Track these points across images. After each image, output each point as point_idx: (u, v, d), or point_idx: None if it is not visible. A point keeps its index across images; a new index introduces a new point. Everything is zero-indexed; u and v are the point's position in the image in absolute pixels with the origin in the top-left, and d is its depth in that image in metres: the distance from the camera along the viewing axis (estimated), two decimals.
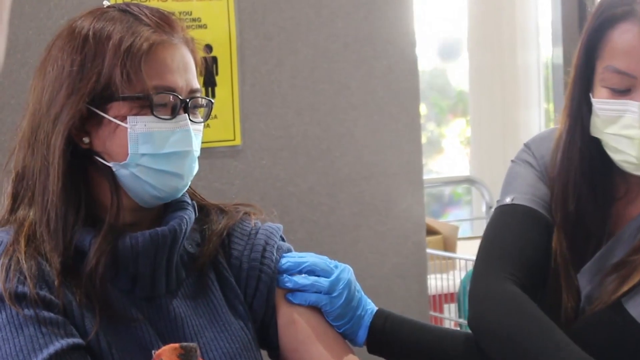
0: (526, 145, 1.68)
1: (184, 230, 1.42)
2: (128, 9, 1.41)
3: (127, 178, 1.38)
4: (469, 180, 4.07)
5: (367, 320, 1.55)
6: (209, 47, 2.41)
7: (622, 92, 1.49)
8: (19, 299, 1.29)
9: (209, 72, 2.41)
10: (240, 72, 2.44)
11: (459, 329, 3.42)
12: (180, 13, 2.36)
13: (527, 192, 1.60)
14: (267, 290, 1.49)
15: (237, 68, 2.43)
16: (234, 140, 2.44)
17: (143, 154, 1.37)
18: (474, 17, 4.10)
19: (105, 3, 1.46)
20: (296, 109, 2.50)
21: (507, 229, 1.58)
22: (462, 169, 5.15)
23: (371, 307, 1.57)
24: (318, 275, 1.52)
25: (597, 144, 1.56)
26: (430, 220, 3.55)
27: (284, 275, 1.52)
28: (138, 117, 1.36)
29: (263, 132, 2.48)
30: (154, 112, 1.37)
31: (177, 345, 1.25)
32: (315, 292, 1.51)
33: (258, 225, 1.54)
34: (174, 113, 1.39)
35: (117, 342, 1.35)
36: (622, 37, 1.48)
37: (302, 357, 1.49)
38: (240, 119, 2.44)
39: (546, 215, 1.59)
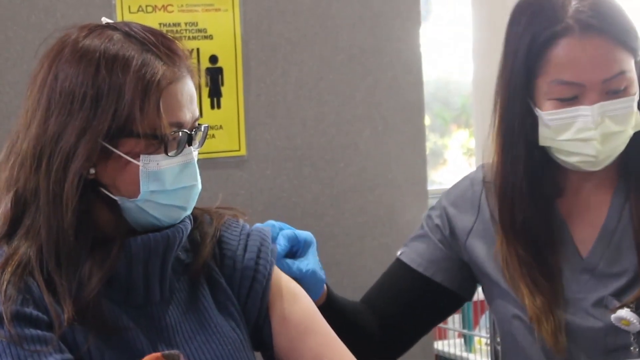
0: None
1: (178, 239, 1.41)
2: (132, 33, 1.38)
3: (132, 211, 1.38)
4: None
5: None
6: (214, 58, 2.42)
7: (569, 101, 1.61)
8: (0, 319, 1.28)
9: (214, 82, 2.42)
10: (245, 82, 2.44)
11: (462, 340, 3.42)
12: (186, 24, 2.37)
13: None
14: (262, 292, 1.50)
15: (243, 79, 2.44)
16: (239, 150, 2.45)
17: (153, 191, 1.37)
18: (478, 28, 4.11)
19: (104, 20, 1.43)
20: (301, 120, 2.51)
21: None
22: None
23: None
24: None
25: (540, 152, 1.68)
26: None
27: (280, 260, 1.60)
28: (151, 155, 1.35)
29: (268, 142, 2.48)
30: (167, 151, 1.36)
31: (159, 354, 1.25)
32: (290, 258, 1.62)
33: (246, 226, 1.55)
34: (179, 147, 1.38)
35: (109, 351, 1.34)
36: (565, 51, 1.60)
37: (294, 354, 1.50)
38: (246, 130, 2.45)
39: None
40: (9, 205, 1.37)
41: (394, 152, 2.60)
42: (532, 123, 1.65)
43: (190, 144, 1.40)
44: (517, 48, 1.64)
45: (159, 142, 1.35)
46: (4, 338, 1.26)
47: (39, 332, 1.29)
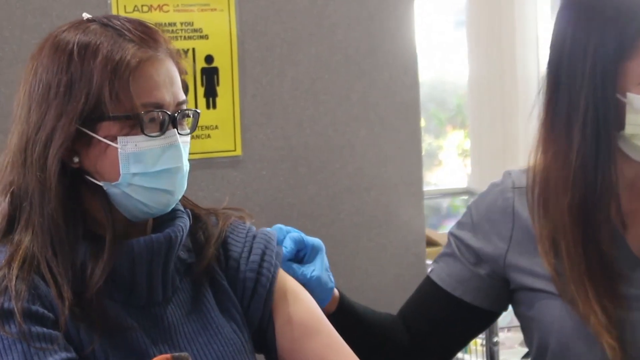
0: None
1: (179, 238, 1.41)
2: (110, 23, 1.39)
3: (118, 196, 1.38)
4: (468, 192, 4.08)
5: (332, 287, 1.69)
6: (210, 58, 2.41)
7: None
8: (7, 315, 1.28)
9: (210, 83, 2.42)
10: (241, 83, 2.44)
11: None
12: (181, 24, 2.37)
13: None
14: (265, 296, 1.49)
15: (238, 79, 2.43)
16: (235, 150, 2.44)
17: (135, 174, 1.36)
18: (473, 28, 4.12)
19: (85, 15, 1.44)
20: (297, 120, 2.51)
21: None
22: (460, 182, 5.14)
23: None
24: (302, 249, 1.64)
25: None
26: (429, 232, 3.55)
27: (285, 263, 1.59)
28: (128, 137, 1.35)
29: (263, 143, 2.48)
30: (144, 131, 1.36)
31: (168, 355, 1.25)
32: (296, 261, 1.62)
33: (253, 229, 1.54)
34: (162, 129, 1.37)
35: (113, 351, 1.35)
36: None
37: (298, 355, 1.50)
38: (241, 130, 2.44)
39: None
40: (6, 203, 1.39)
41: (390, 153, 2.60)
42: (617, 111, 1.63)
43: (174, 126, 1.39)
44: (603, 39, 1.63)
45: (134, 123, 1.35)
46: (11, 334, 1.27)
47: (45, 330, 1.29)
